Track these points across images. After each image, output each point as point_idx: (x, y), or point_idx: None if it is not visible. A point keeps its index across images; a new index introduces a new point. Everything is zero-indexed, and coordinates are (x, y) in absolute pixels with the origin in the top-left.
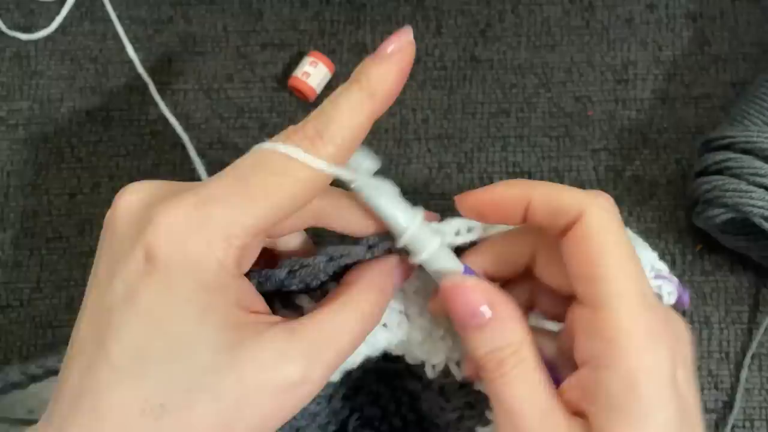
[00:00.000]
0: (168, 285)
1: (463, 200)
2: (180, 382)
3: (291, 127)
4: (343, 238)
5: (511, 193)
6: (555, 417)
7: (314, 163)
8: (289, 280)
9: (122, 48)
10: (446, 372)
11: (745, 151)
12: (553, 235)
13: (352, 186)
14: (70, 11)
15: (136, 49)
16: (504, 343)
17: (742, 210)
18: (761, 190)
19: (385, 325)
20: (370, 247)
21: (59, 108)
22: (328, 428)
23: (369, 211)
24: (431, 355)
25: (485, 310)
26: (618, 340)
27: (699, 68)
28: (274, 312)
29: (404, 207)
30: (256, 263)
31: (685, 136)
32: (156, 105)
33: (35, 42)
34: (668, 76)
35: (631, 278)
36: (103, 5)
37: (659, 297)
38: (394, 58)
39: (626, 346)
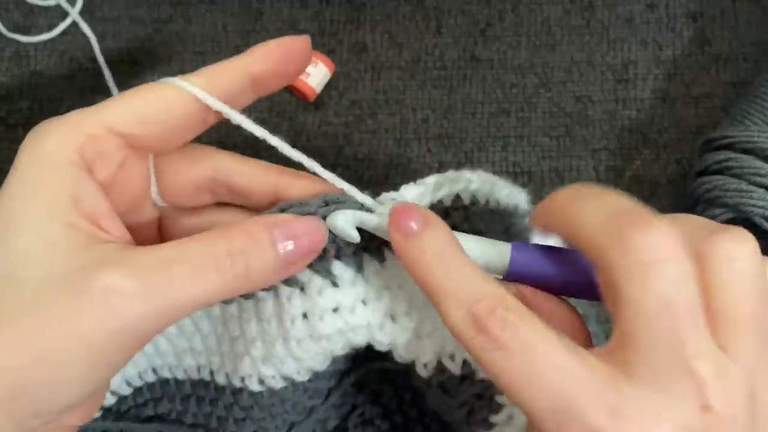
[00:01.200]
0: (15, 167)
1: (534, 216)
2: None
3: None
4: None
5: (555, 220)
6: (469, 272)
7: (180, 82)
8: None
9: (122, 48)
10: (441, 368)
11: (746, 151)
12: None
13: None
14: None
15: (136, 49)
16: (433, 248)
17: (743, 210)
18: (762, 190)
19: (369, 324)
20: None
21: (59, 108)
22: (328, 423)
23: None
24: (420, 354)
25: (416, 224)
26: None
27: (699, 68)
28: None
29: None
30: None
31: (685, 136)
32: None
33: (35, 42)
34: (669, 75)
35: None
36: (102, 5)
37: None
38: (280, 39)
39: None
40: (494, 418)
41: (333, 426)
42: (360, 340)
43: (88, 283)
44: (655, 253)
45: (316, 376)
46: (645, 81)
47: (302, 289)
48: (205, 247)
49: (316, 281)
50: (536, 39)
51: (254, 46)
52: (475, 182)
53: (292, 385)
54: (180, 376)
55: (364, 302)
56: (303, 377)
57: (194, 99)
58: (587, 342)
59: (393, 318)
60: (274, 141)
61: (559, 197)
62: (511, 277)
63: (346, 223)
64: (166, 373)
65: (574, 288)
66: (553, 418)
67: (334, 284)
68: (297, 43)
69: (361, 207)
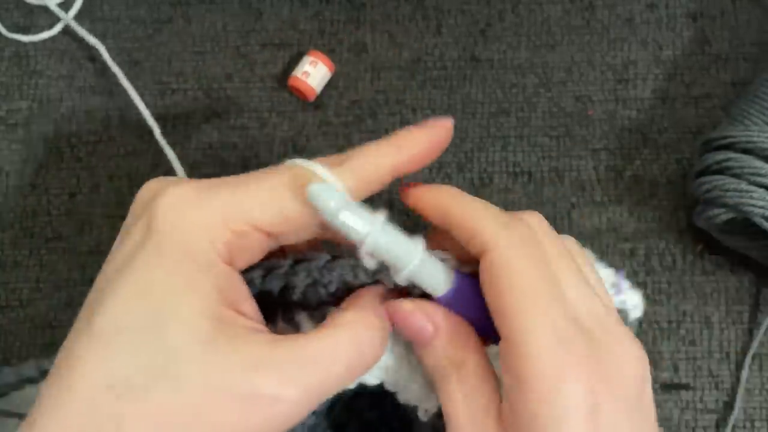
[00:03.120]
0: (159, 254)
1: (404, 193)
2: (147, 362)
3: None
4: None
5: (435, 205)
6: None
7: (329, 177)
8: (293, 274)
9: (122, 48)
10: (440, 413)
11: (746, 151)
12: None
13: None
14: (70, 12)
15: (136, 50)
16: (446, 359)
17: (743, 210)
18: (762, 190)
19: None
20: (375, 273)
21: (59, 108)
22: None
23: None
24: (424, 400)
25: (427, 328)
26: (524, 379)
27: (699, 68)
28: (274, 325)
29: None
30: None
31: (685, 136)
32: (156, 106)
33: (34, 42)
34: (669, 75)
35: (537, 312)
36: (102, 5)
37: (624, 313)
38: (427, 127)
39: (531, 387)
40: None
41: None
42: (373, 381)
43: (251, 391)
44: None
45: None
46: (645, 81)
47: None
48: (353, 345)
49: (308, 325)
50: (536, 39)
51: (402, 132)
52: None
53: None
54: None
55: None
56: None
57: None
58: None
59: (409, 361)
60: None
61: (446, 188)
62: (443, 301)
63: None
64: None
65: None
66: None
67: None
68: (444, 132)
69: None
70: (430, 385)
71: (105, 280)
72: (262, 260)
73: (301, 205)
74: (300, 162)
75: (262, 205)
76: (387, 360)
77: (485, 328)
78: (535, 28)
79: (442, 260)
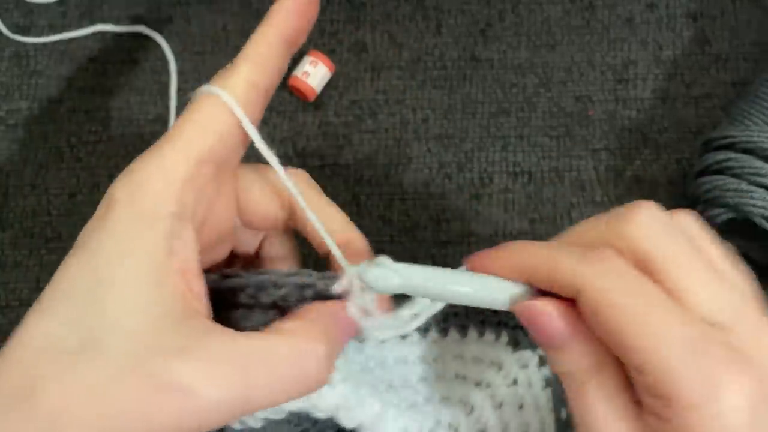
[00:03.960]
0: (107, 220)
1: (471, 265)
2: (84, 326)
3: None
4: None
5: (508, 266)
6: None
7: (220, 92)
8: (251, 281)
9: (122, 48)
10: None
11: (746, 151)
12: None
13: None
14: (70, 11)
15: (137, 49)
16: (583, 364)
17: (743, 210)
18: (762, 190)
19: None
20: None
21: (59, 108)
22: None
23: (349, 237)
24: (364, 423)
25: (562, 331)
26: (671, 397)
27: (699, 68)
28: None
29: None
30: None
31: (685, 136)
32: (156, 105)
33: (35, 42)
34: (669, 75)
35: (658, 332)
36: (102, 5)
37: None
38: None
39: (681, 403)
40: None
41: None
42: (321, 415)
43: (167, 379)
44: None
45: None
46: (645, 81)
47: None
48: (295, 353)
49: None
50: (536, 39)
51: (272, 8)
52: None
53: (269, 424)
54: None
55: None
56: (279, 415)
57: (250, 100)
58: None
59: (355, 393)
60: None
61: (511, 246)
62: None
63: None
64: None
65: None
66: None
67: None
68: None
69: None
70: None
71: (66, 257)
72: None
73: (229, 123)
74: (200, 89)
75: (196, 136)
76: (337, 397)
77: None
78: (535, 28)
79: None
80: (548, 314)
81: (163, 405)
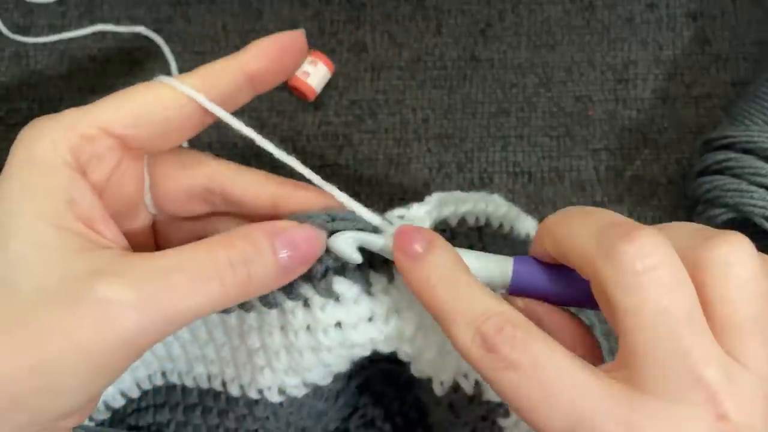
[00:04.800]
0: (9, 167)
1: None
2: None
3: None
4: None
5: (544, 245)
6: (473, 290)
7: (172, 81)
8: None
9: (122, 48)
10: (456, 387)
11: (746, 151)
12: None
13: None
14: (70, 11)
15: (137, 49)
16: (438, 271)
17: (743, 210)
18: (762, 190)
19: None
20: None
21: (59, 108)
22: (329, 425)
23: (268, 179)
24: (440, 371)
25: (421, 248)
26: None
27: (700, 68)
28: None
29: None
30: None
31: (685, 136)
32: None
33: (35, 42)
34: (669, 75)
35: (649, 332)
36: (102, 5)
37: None
38: (275, 36)
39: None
40: None
41: (334, 428)
42: (363, 353)
43: (85, 294)
44: (643, 262)
45: (336, 378)
46: (645, 81)
47: (306, 303)
48: (207, 256)
49: (317, 298)
50: (536, 39)
51: (250, 43)
52: (487, 205)
53: (313, 390)
54: (189, 383)
55: (370, 319)
56: (326, 381)
57: (190, 100)
58: (596, 354)
59: (420, 332)
60: (269, 146)
61: (549, 220)
62: (514, 291)
63: (347, 245)
64: (174, 379)
65: (576, 301)
66: None
67: (337, 300)
68: (292, 39)
69: (364, 226)
70: (443, 355)
71: None
72: None
73: (149, 105)
74: (162, 78)
75: (111, 108)
76: (402, 328)
77: (568, 301)
78: (535, 28)
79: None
80: (414, 228)
81: (87, 319)
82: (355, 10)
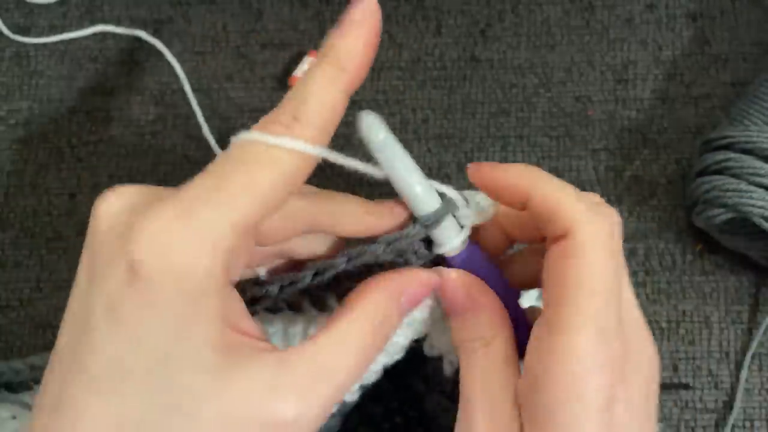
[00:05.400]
0: (150, 297)
1: (474, 170)
2: (159, 401)
3: (265, 116)
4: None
5: (514, 182)
6: (503, 411)
7: (297, 145)
8: (312, 282)
9: (122, 48)
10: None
11: (745, 151)
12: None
13: (372, 150)
14: (71, 12)
15: (137, 50)
16: (476, 335)
17: (742, 210)
18: (761, 190)
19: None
20: (388, 244)
21: (59, 108)
22: (329, 423)
23: (368, 208)
24: (451, 351)
25: (464, 302)
26: (557, 365)
27: (699, 68)
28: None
29: (421, 179)
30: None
31: (685, 136)
32: (156, 105)
33: (35, 42)
34: (668, 75)
35: (593, 311)
36: (102, 5)
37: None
38: (359, 29)
39: (561, 374)
40: None
41: (333, 425)
42: (410, 336)
43: (271, 417)
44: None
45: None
46: (645, 81)
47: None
48: (361, 348)
49: None
50: (536, 39)
51: (335, 46)
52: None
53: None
54: None
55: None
56: (354, 396)
57: (305, 160)
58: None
59: (438, 307)
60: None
61: (522, 166)
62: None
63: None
64: None
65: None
66: None
67: None
68: (373, 20)
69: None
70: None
71: (91, 321)
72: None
73: (272, 181)
74: (256, 136)
75: (241, 206)
76: (421, 314)
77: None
78: (535, 28)
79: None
80: (455, 282)
81: None
82: None
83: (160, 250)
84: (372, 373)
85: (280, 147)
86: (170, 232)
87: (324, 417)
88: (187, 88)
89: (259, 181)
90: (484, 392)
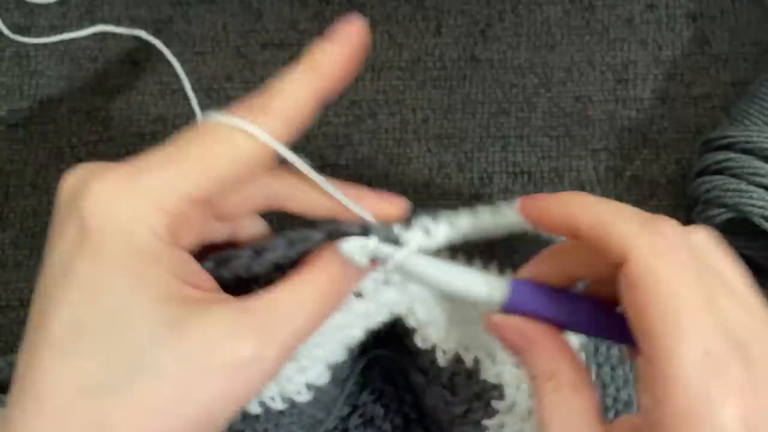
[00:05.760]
0: (100, 255)
1: (526, 206)
2: (119, 359)
3: (240, 102)
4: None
5: (560, 214)
6: None
7: (254, 131)
8: (251, 262)
9: (122, 48)
10: (458, 358)
11: (745, 151)
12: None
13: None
14: (71, 12)
15: (137, 49)
16: (539, 370)
17: (742, 210)
18: (761, 190)
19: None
20: (330, 235)
21: (59, 108)
22: (328, 424)
23: (325, 192)
24: (444, 340)
25: (517, 341)
26: (668, 400)
27: (699, 68)
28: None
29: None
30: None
31: (685, 136)
32: (156, 105)
33: (35, 42)
34: (668, 75)
35: (686, 331)
36: (102, 5)
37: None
38: (341, 41)
39: (676, 408)
40: (487, 422)
41: (333, 426)
42: (380, 319)
43: (232, 357)
44: (687, 241)
45: (333, 376)
46: (645, 81)
47: None
48: (318, 295)
49: None
50: (536, 39)
51: (314, 52)
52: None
53: (315, 393)
54: None
55: (386, 282)
56: (325, 380)
57: (265, 148)
58: (583, 376)
59: (432, 297)
60: (333, 191)
61: (585, 197)
62: (510, 309)
63: (355, 251)
64: None
65: (576, 324)
66: None
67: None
68: (358, 36)
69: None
70: (453, 326)
71: (50, 285)
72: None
73: (228, 162)
74: (219, 118)
75: (192, 177)
76: (417, 291)
77: (573, 326)
78: (535, 28)
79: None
80: (502, 326)
81: (237, 382)
82: (356, 10)
83: (106, 208)
84: (341, 351)
85: (240, 130)
86: (117, 192)
87: (283, 361)
88: (188, 88)
89: (212, 158)
90: (559, 424)
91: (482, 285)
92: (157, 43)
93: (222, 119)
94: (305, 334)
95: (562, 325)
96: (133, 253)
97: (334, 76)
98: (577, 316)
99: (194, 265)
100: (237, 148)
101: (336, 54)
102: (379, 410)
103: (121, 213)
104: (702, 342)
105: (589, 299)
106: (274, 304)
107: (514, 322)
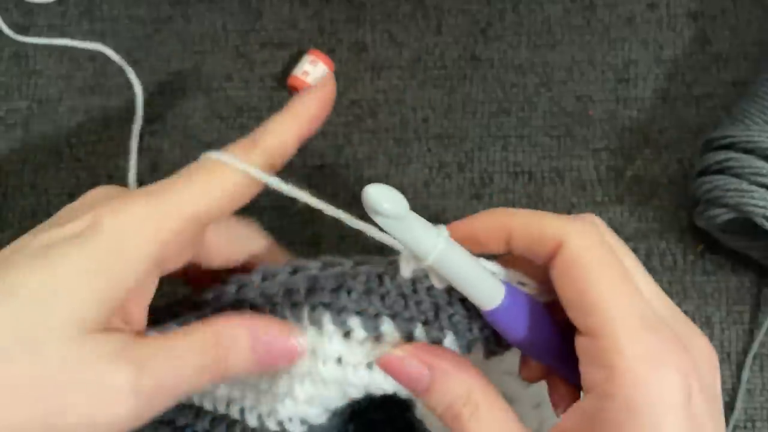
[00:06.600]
0: (89, 243)
1: (453, 231)
2: (20, 330)
3: (238, 141)
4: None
5: (490, 225)
6: None
7: (244, 167)
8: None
9: (122, 48)
10: None
11: (747, 151)
12: (540, 265)
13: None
14: (70, 11)
15: (136, 49)
16: (451, 398)
17: (744, 210)
18: (762, 189)
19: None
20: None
21: (58, 108)
22: None
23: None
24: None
25: (423, 374)
26: (617, 367)
27: (700, 67)
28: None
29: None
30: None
31: (686, 136)
32: (155, 105)
33: (34, 42)
34: (669, 75)
35: (623, 300)
36: (102, 5)
37: None
38: (314, 97)
39: (625, 374)
40: None
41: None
42: (357, 395)
43: (107, 382)
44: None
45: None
46: (646, 80)
47: (347, 335)
48: (212, 347)
49: (329, 327)
50: (537, 38)
51: (292, 102)
52: None
53: (331, 416)
54: (207, 405)
55: (368, 366)
56: (322, 419)
57: (252, 178)
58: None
59: None
60: (330, 210)
61: (492, 210)
62: (492, 316)
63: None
64: (195, 398)
65: (546, 348)
66: None
67: (346, 335)
68: (331, 88)
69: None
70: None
71: (31, 246)
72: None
73: (225, 191)
74: (215, 155)
75: (199, 197)
76: (371, 379)
77: (536, 349)
78: (536, 27)
79: (521, 284)
80: (403, 360)
81: (103, 406)
82: (355, 10)
83: (117, 214)
84: (320, 414)
85: (232, 165)
86: (132, 205)
87: (157, 407)
88: (187, 88)
89: (209, 186)
90: None
91: (481, 288)
92: (117, 59)
93: (216, 157)
94: (186, 386)
95: (534, 346)
96: (113, 255)
97: (311, 122)
98: (550, 340)
99: (148, 295)
100: (229, 179)
101: (310, 99)
102: (380, 416)
103: (126, 222)
104: (638, 309)
105: (558, 333)
106: (166, 344)
107: (416, 350)
